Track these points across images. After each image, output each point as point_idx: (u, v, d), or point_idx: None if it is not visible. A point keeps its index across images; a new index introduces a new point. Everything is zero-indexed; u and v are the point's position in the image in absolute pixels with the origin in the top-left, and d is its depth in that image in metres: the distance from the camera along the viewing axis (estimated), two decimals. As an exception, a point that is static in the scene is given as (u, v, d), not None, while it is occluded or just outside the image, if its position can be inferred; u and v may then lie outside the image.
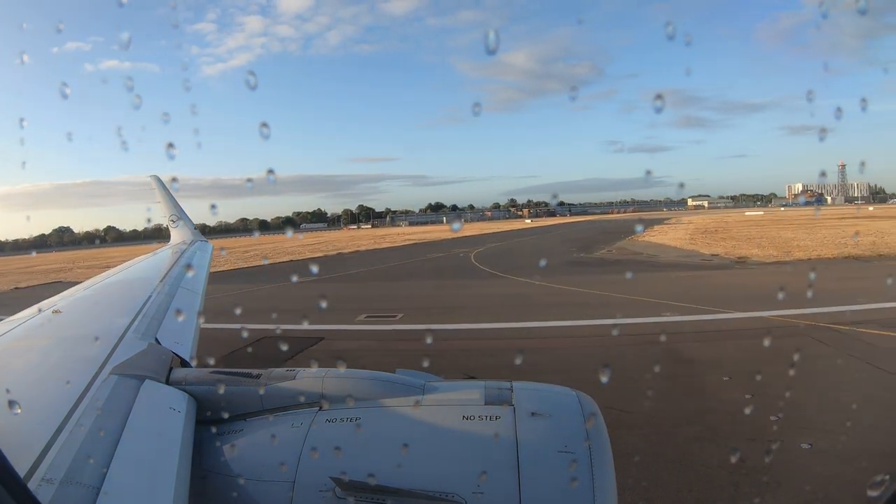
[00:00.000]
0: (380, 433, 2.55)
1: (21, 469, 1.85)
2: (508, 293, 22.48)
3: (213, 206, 3.14)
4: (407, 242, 66.17)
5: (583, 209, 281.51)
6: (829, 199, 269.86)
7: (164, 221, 12.44)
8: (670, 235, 51.27)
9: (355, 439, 2.52)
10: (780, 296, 18.04)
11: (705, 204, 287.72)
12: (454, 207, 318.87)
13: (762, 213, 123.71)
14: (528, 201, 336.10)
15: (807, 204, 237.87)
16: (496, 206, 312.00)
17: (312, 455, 2.46)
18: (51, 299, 5.38)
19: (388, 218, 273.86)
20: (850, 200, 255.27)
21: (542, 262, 34.62)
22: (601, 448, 2.35)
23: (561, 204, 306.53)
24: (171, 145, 2.48)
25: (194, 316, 5.14)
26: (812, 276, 22.19)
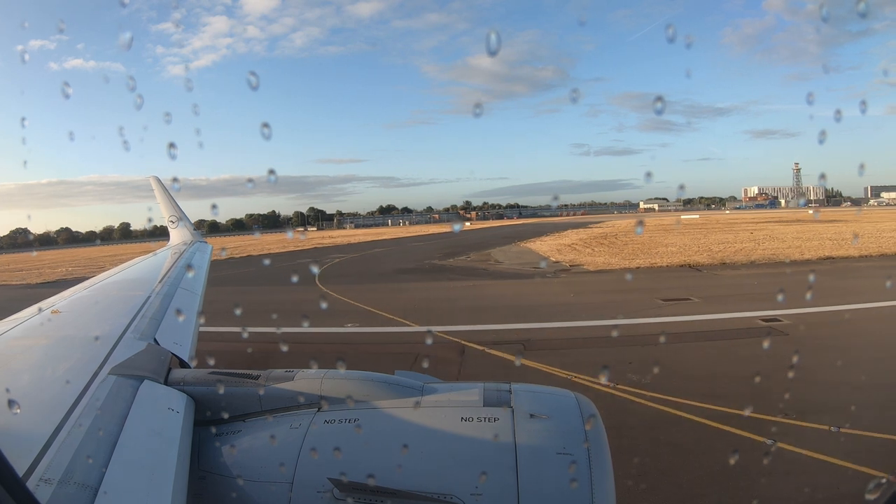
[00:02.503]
0: (378, 434, 2.55)
1: (20, 468, 1.85)
2: (279, 300, 22.87)
3: (213, 206, 3.14)
4: (315, 246, 66.77)
5: (533, 212, 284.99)
6: (782, 201, 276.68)
7: (164, 221, 12.38)
8: (555, 242, 50.93)
9: (354, 440, 2.53)
10: (498, 310, 18.73)
11: (656, 207, 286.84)
12: (405, 210, 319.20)
13: (697, 216, 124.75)
14: (484, 203, 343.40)
15: (758, 207, 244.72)
16: (447, 209, 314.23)
17: (311, 456, 2.46)
18: (50, 299, 5.35)
19: (335, 220, 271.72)
20: (804, 203, 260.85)
21: (378, 271, 35.37)
22: (600, 450, 2.36)
23: (513, 206, 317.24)
24: (172, 145, 2.47)
25: (193, 316, 5.12)
26: (587, 287, 22.96)
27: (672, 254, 33.44)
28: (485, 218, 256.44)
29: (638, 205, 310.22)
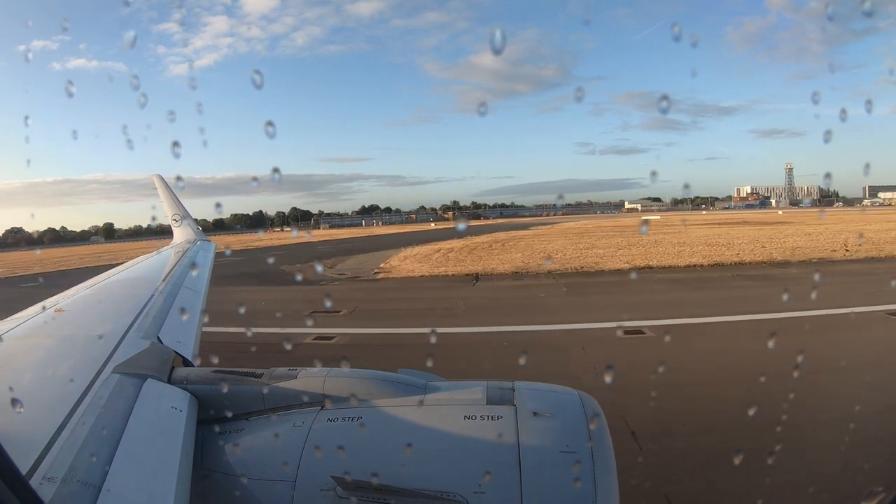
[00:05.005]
0: (381, 433, 2.55)
1: (23, 467, 1.84)
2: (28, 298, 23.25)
3: (217, 205, 3.16)
4: (241, 248, 64.41)
5: (514, 212, 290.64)
6: (773, 201, 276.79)
7: (167, 220, 12.40)
8: (442, 246, 48.17)
9: (357, 439, 2.53)
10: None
11: (639, 207, 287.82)
12: (388, 210, 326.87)
13: (659, 217, 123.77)
14: (472, 203, 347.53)
15: (748, 207, 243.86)
16: (432, 209, 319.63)
17: (314, 454, 2.47)
18: (53, 298, 5.33)
19: (312, 220, 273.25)
20: (794, 203, 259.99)
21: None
22: (604, 448, 2.36)
23: (497, 206, 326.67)
24: (177, 144, 2.47)
25: (197, 315, 5.14)
26: (307, 296, 23.39)
27: (498, 262, 32.63)
28: (463, 218, 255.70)
29: (624, 204, 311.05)
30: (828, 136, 2.69)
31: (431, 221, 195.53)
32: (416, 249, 45.50)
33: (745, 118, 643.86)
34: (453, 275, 28.40)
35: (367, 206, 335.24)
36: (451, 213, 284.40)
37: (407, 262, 35.06)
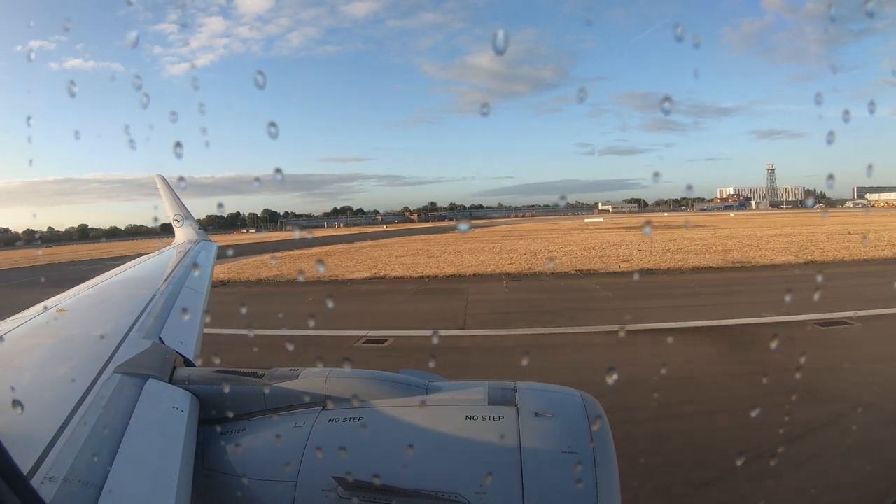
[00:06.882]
0: (382, 433, 2.55)
1: (24, 466, 1.84)
2: None
3: (220, 205, 3.17)
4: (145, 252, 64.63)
5: (484, 213, 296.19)
6: (753, 203, 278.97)
7: (169, 220, 12.23)
8: (307, 252, 47.77)
9: (358, 439, 2.53)
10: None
11: (609, 209, 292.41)
12: (360, 211, 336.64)
13: (601, 219, 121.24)
14: (451, 204, 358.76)
15: (727, 208, 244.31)
16: (399, 210, 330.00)
17: (315, 454, 2.46)
18: (55, 298, 5.31)
19: (279, 222, 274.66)
20: (774, 205, 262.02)
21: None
22: (605, 449, 2.35)
23: (472, 207, 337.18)
24: (178, 144, 2.48)
25: (198, 315, 5.11)
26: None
27: (282, 270, 32.85)
28: (426, 220, 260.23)
29: (597, 206, 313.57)
30: (831, 138, 2.67)
31: (384, 224, 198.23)
32: (283, 254, 44.89)
33: (745, 119, 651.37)
34: (222, 281, 28.70)
35: (338, 207, 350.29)
36: (415, 215, 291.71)
37: (229, 269, 34.66)
